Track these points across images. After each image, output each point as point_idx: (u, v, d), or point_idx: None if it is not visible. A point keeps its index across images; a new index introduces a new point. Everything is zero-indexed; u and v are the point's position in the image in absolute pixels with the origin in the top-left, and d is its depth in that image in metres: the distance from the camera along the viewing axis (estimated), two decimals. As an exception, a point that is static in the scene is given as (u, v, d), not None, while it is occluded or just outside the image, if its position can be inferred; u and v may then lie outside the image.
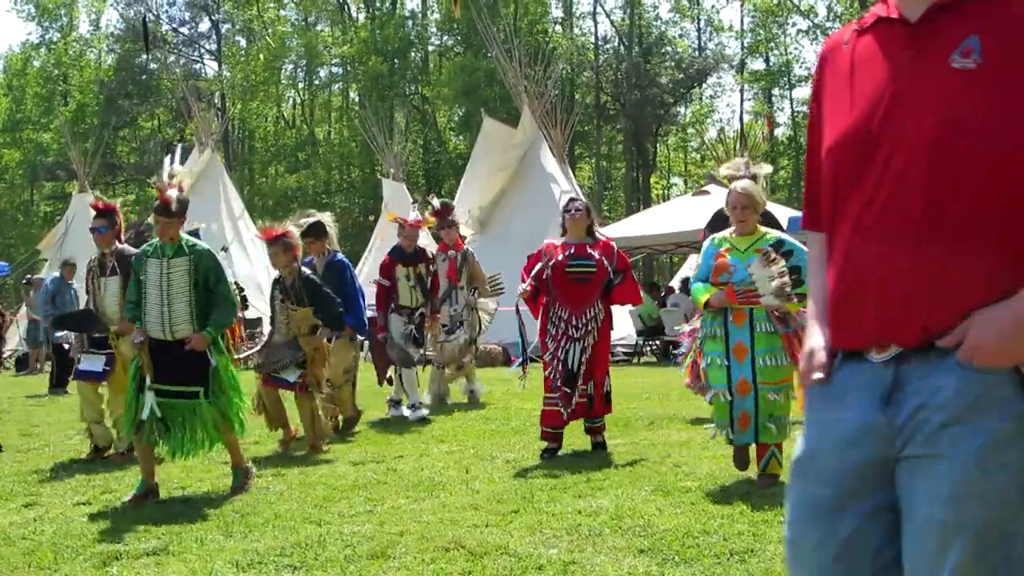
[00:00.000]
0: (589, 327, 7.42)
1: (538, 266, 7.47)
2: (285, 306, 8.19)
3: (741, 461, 6.31)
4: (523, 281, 7.54)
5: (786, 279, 5.82)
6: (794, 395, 5.90)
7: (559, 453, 7.50)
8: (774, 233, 6.21)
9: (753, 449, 6.30)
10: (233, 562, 4.73)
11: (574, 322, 7.40)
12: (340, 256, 9.32)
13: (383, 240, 27.55)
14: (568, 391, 7.32)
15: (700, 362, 6.26)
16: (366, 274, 28.09)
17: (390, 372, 10.74)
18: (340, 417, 9.17)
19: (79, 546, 5.13)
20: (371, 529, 5.24)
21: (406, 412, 10.17)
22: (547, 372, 7.52)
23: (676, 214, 20.74)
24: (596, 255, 7.50)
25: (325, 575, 4.52)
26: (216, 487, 6.65)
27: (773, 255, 5.89)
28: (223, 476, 6.97)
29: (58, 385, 14.66)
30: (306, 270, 8.39)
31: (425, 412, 10.09)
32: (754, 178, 8.90)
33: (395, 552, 4.77)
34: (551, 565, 4.47)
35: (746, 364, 6.06)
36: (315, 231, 9.16)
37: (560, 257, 7.45)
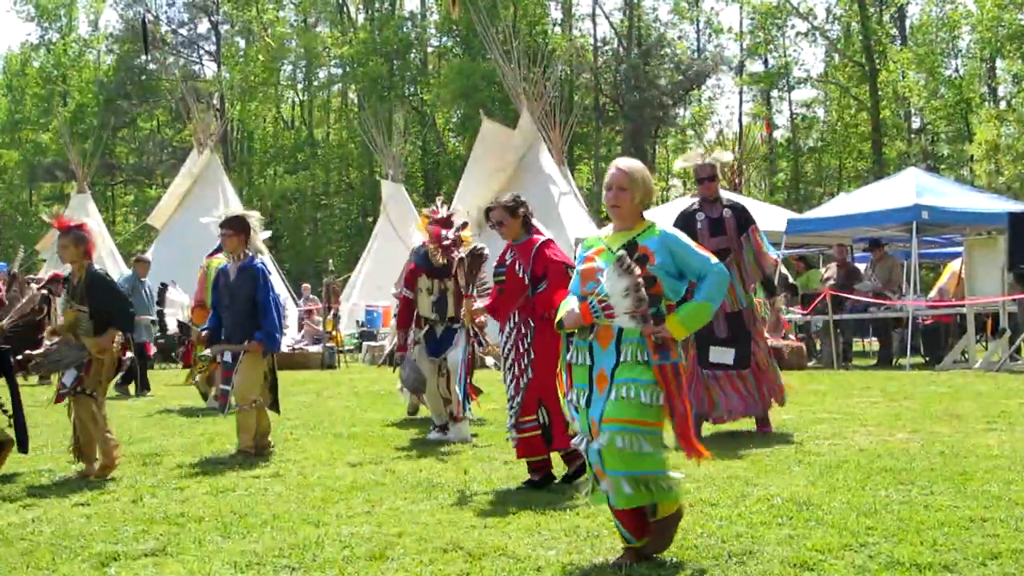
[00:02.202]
0: (514, 344, 6.41)
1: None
2: (70, 305, 7.44)
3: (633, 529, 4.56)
4: None
5: (640, 295, 4.43)
6: (663, 446, 4.49)
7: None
8: (659, 228, 4.67)
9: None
10: (231, 563, 4.73)
11: (502, 339, 6.56)
12: (258, 261, 8.22)
13: (382, 242, 27.61)
14: (511, 420, 6.41)
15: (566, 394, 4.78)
16: (365, 274, 28.20)
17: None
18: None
19: (77, 547, 5.13)
20: (369, 530, 5.24)
21: (448, 435, 8.71)
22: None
23: (674, 215, 20.70)
24: (507, 259, 6.59)
25: (318, 573, 4.52)
26: (214, 488, 6.65)
27: (627, 262, 4.47)
28: (221, 477, 6.97)
29: (144, 387, 13.98)
30: (97, 267, 7.56)
31: (459, 432, 8.68)
32: (712, 167, 8.72)
33: (393, 553, 4.77)
34: (549, 566, 4.47)
35: (603, 399, 4.53)
36: (233, 224, 8.15)
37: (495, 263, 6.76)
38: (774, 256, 8.65)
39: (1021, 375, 12.83)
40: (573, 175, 28.95)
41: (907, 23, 46.92)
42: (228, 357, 8.17)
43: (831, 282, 16.20)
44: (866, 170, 40.67)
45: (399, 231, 23.61)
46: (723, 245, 8.24)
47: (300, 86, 54.87)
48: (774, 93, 49.89)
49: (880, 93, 42.86)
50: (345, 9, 52.98)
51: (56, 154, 47.69)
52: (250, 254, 8.16)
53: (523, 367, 6.32)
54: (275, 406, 8.38)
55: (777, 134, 49.43)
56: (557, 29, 49.49)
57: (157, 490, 6.62)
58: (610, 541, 4.85)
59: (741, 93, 50.70)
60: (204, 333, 8.55)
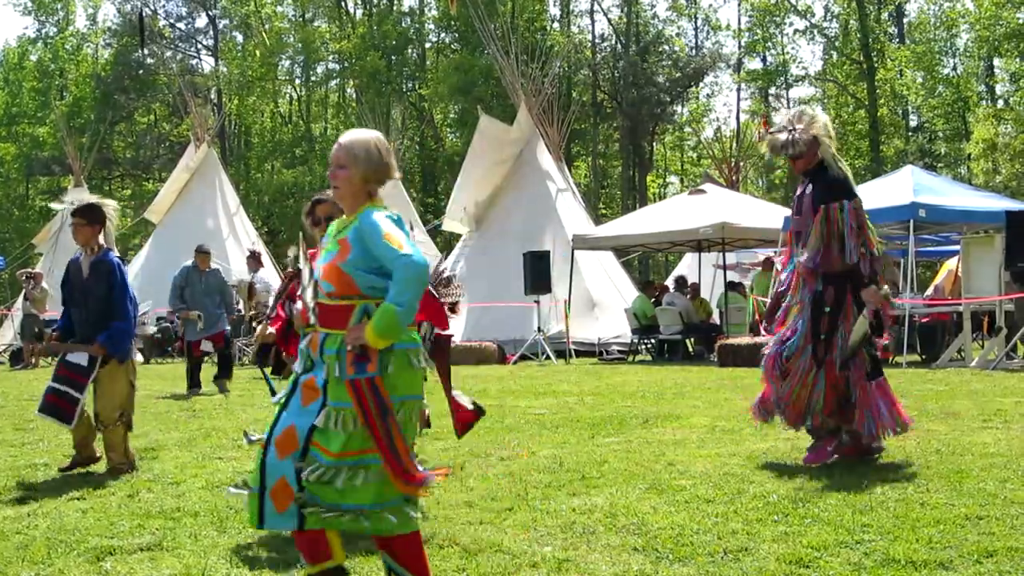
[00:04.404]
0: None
1: None
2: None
3: (310, 554, 3.99)
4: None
5: (312, 291, 3.99)
6: (374, 475, 3.83)
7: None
8: (374, 213, 3.95)
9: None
10: (227, 558, 4.73)
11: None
12: (113, 255, 7.42)
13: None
14: None
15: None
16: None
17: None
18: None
19: (73, 541, 5.12)
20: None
21: None
22: None
23: (672, 213, 20.77)
24: None
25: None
26: (211, 482, 6.64)
27: (304, 250, 4.11)
28: (217, 472, 6.97)
29: (194, 386, 13.53)
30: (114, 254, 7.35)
31: None
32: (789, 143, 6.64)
33: (389, 549, 4.77)
34: (545, 563, 4.47)
35: (309, 412, 3.91)
36: (86, 214, 7.36)
37: None
38: (860, 251, 6.61)
39: (1017, 373, 12.85)
40: (571, 171, 28.96)
41: (905, 21, 47.01)
42: (78, 359, 7.26)
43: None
44: (863, 168, 40.74)
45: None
46: (797, 228, 6.90)
47: (298, 81, 54.85)
48: (772, 90, 49.93)
49: (878, 91, 42.92)
50: (343, 4, 52.94)
51: (53, 148, 47.64)
52: (105, 247, 7.42)
53: None
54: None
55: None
56: (556, 25, 49.49)
57: (153, 485, 6.62)
58: (606, 537, 4.85)
59: (739, 90, 50.84)
60: (54, 333, 7.58)
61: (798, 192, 6.92)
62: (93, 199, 7.54)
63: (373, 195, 4.04)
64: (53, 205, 8.88)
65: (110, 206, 7.49)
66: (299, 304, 4.27)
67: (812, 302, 6.63)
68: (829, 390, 6.52)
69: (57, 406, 7.19)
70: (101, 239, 7.37)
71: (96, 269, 7.27)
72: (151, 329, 14.26)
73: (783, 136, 6.71)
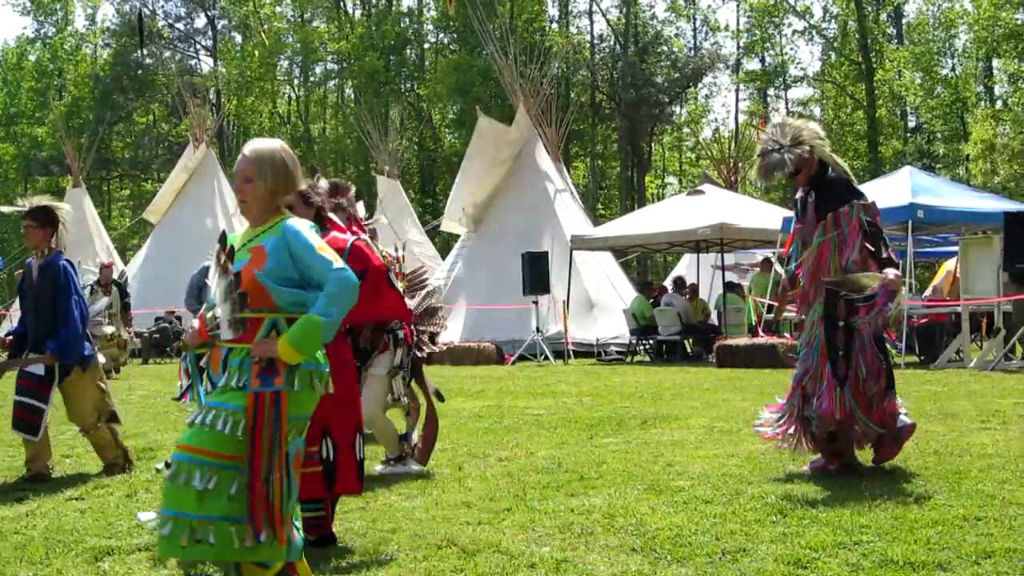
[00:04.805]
0: None
1: None
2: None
3: None
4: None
5: (235, 298, 3.81)
6: (238, 486, 3.71)
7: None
8: (285, 223, 3.92)
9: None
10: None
11: None
12: (62, 259, 7.16)
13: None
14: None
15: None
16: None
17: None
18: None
19: (71, 541, 5.12)
20: (363, 526, 5.24)
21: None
22: None
23: (671, 213, 20.78)
24: None
25: (318, 572, 4.51)
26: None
27: (222, 259, 3.87)
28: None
29: None
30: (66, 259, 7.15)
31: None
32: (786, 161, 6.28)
33: (387, 549, 4.77)
34: (543, 563, 4.47)
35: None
36: (38, 216, 7.12)
37: None
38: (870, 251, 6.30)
39: (1015, 374, 12.86)
40: (569, 172, 28.96)
41: (904, 22, 47.01)
42: (35, 368, 7.06)
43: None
44: (862, 169, 40.75)
45: (395, 227, 23.59)
46: (803, 237, 6.48)
47: (296, 81, 54.86)
48: (771, 91, 49.95)
49: (876, 92, 42.93)
50: (342, 4, 52.95)
51: (52, 148, 47.62)
52: (56, 250, 7.15)
53: None
54: (115, 417, 7.48)
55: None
56: (554, 26, 49.51)
57: (151, 485, 6.61)
58: (604, 538, 4.86)
59: (737, 91, 50.83)
60: (8, 339, 7.37)
61: (799, 195, 6.56)
62: (45, 201, 7.30)
63: (281, 208, 3.98)
64: (2, 208, 8.45)
65: (63, 209, 7.30)
66: (195, 322, 4.09)
67: (825, 317, 6.31)
68: (863, 406, 6.16)
69: (23, 419, 7.04)
70: (53, 242, 7.15)
71: (44, 273, 7.08)
72: (108, 329, 14.06)
73: (773, 158, 6.34)
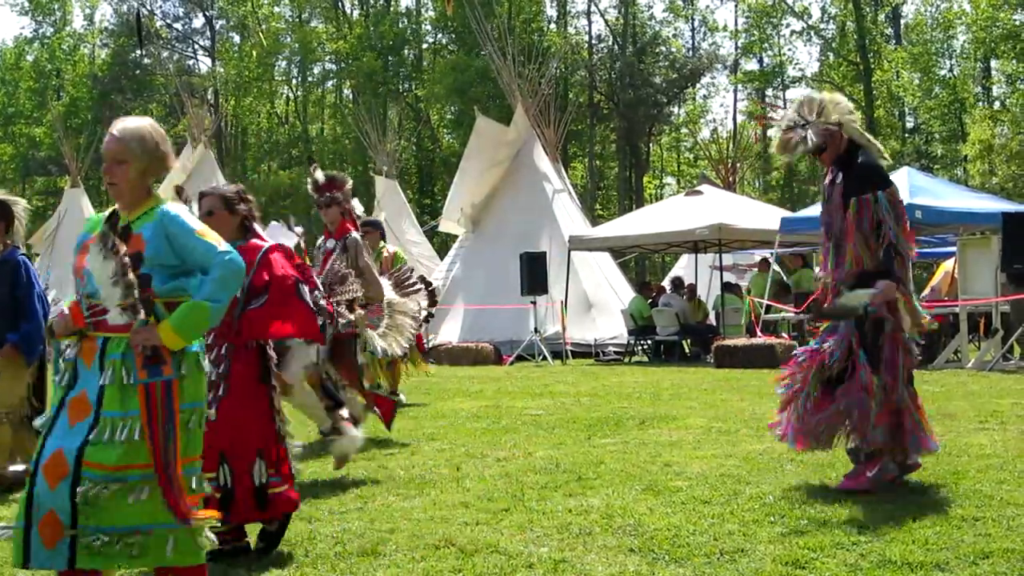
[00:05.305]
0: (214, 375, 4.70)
1: None
2: None
3: None
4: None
5: (128, 280, 3.60)
6: (154, 491, 3.60)
7: None
8: (162, 209, 3.78)
9: None
10: (226, 558, 4.72)
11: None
12: (19, 253, 6.99)
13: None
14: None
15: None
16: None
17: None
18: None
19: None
20: (361, 526, 5.24)
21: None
22: None
23: (669, 214, 20.77)
24: None
25: (315, 572, 4.51)
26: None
27: (112, 240, 3.64)
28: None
29: None
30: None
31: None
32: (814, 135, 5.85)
33: (385, 549, 4.77)
34: (541, 563, 4.47)
35: (78, 431, 3.60)
36: None
37: None
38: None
39: (1013, 375, 12.87)
40: (567, 172, 28.95)
41: (902, 23, 47.05)
42: None
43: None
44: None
45: (393, 227, 23.58)
46: (827, 218, 6.06)
47: (295, 81, 54.84)
48: (769, 92, 49.97)
49: (874, 92, 42.92)
50: (340, 5, 52.95)
51: (50, 148, 47.58)
52: (12, 245, 6.95)
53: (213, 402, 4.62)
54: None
55: (771, 133, 49.46)
56: (552, 26, 49.52)
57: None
58: (602, 538, 4.85)
59: (736, 92, 50.80)
60: None
61: (827, 180, 6.10)
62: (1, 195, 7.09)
63: (151, 191, 3.80)
64: None
65: (20, 204, 7.09)
66: (63, 305, 3.89)
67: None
68: (886, 411, 5.69)
69: None
70: (8, 238, 6.94)
71: (2, 268, 6.84)
72: None
73: (796, 134, 5.94)
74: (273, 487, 4.75)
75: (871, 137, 6.12)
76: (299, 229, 7.24)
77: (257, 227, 5.08)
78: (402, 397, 10.39)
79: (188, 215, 3.80)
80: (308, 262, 6.04)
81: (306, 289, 4.87)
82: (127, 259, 3.58)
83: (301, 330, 4.97)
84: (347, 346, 6.90)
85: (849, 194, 5.79)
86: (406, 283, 8.09)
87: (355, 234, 8.16)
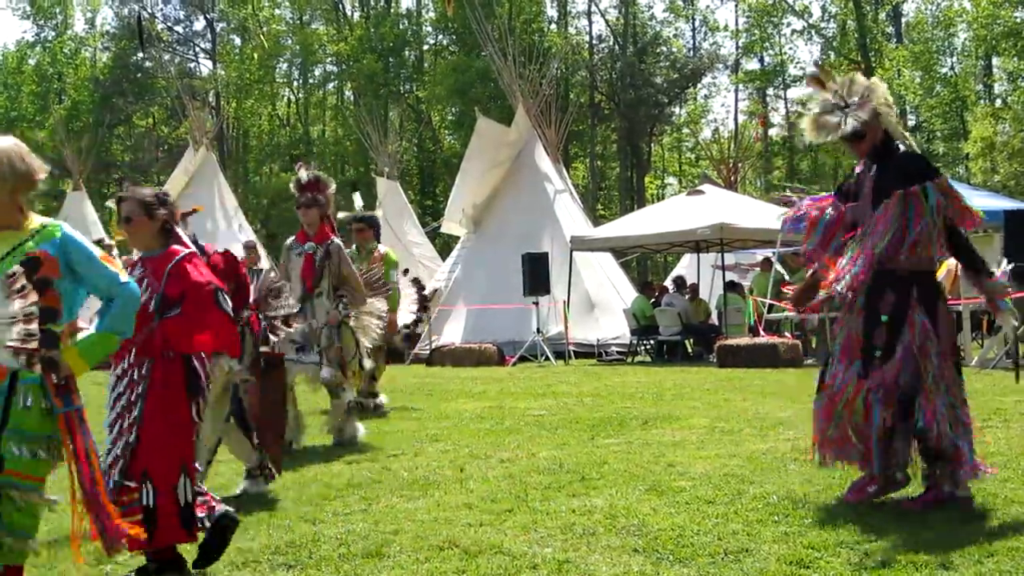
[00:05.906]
0: (124, 391, 4.59)
1: None
2: None
3: None
4: None
5: (30, 329, 3.50)
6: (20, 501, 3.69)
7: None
8: (59, 231, 3.76)
9: None
10: (228, 560, 4.72)
11: (111, 381, 4.72)
12: None
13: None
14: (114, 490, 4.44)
15: None
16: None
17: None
18: None
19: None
20: (365, 528, 5.24)
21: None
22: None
23: (671, 214, 20.76)
24: (133, 276, 4.50)
25: (320, 574, 4.52)
26: (210, 486, 6.63)
27: (20, 283, 3.50)
28: (217, 475, 6.96)
29: None
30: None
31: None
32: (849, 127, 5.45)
33: (389, 551, 4.77)
34: (545, 564, 4.47)
35: None
36: None
37: None
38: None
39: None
40: (569, 173, 28.95)
41: (902, 21, 47.02)
42: None
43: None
44: (862, 168, 40.48)
45: (394, 229, 23.59)
46: (854, 217, 5.61)
47: (296, 83, 54.89)
48: (770, 91, 49.97)
49: (876, 91, 42.87)
50: (341, 6, 52.98)
51: (52, 152, 47.60)
52: None
53: (130, 423, 4.54)
54: None
55: (772, 132, 49.47)
56: (553, 27, 49.53)
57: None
58: (606, 539, 4.85)
59: (736, 91, 50.81)
60: None
61: (857, 171, 5.68)
62: None
63: (24, 209, 3.76)
64: None
65: None
66: None
67: (866, 307, 5.42)
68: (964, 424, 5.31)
69: None
70: None
71: None
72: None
73: (833, 116, 5.53)
74: (199, 507, 4.64)
75: (907, 134, 5.82)
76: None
77: (179, 230, 4.91)
78: (382, 399, 10.44)
79: (84, 238, 3.85)
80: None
81: (225, 297, 4.70)
82: (35, 309, 3.50)
83: (219, 342, 4.78)
84: (277, 376, 6.57)
85: (889, 187, 5.35)
86: (374, 283, 8.01)
87: (337, 240, 8.17)
